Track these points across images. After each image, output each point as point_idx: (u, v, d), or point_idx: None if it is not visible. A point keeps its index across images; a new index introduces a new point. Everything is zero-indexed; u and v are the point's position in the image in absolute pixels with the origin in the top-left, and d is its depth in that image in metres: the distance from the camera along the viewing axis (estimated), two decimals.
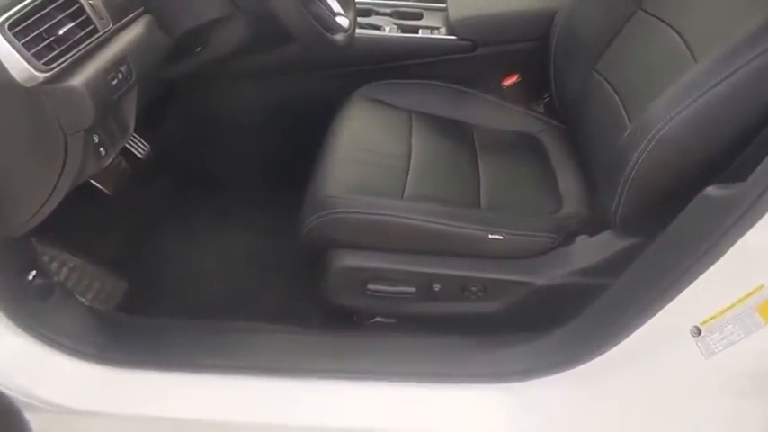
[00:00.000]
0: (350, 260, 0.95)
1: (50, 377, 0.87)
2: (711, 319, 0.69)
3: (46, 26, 0.69)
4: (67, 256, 1.19)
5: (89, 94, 0.70)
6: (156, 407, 0.87)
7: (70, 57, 0.70)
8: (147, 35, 0.85)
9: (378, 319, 1.05)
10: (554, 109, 1.25)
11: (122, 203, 1.34)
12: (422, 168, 1.06)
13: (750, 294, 0.67)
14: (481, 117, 1.24)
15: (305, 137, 1.17)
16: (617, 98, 1.01)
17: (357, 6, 1.21)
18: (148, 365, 0.89)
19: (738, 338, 0.68)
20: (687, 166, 0.79)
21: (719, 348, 0.69)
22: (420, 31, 1.36)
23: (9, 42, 0.65)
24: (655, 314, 0.72)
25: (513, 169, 1.12)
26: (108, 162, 0.82)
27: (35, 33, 0.68)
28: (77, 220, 1.20)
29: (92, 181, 1.29)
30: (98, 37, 0.75)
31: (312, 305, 1.11)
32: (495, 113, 1.25)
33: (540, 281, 0.92)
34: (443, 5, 1.40)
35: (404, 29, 1.36)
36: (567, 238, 0.95)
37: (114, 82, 0.75)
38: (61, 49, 0.70)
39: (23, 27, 0.67)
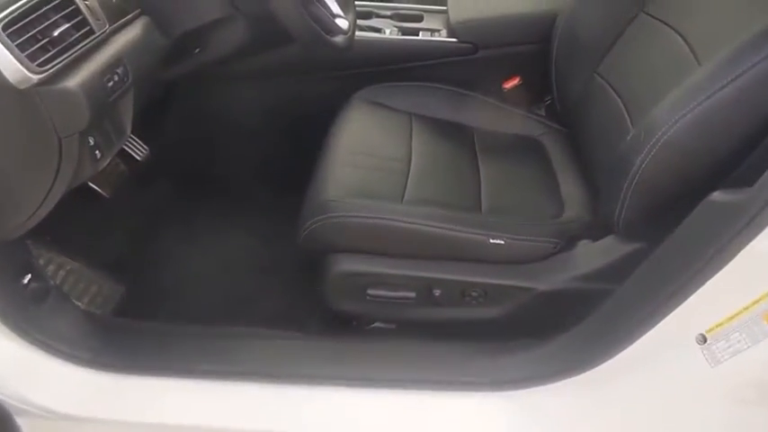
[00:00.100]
0: (349, 265, 0.94)
1: (45, 382, 0.86)
2: (717, 326, 0.68)
3: (41, 27, 0.68)
4: (64, 260, 1.18)
5: (84, 95, 0.69)
6: (153, 413, 0.86)
7: (65, 58, 0.69)
8: (144, 36, 0.84)
9: (377, 324, 1.04)
10: (555, 112, 1.25)
11: (120, 206, 1.33)
12: (422, 172, 1.05)
13: (757, 302, 0.66)
14: (482, 120, 1.23)
15: (304, 139, 1.16)
16: (619, 101, 1.01)
17: (357, 9, 1.21)
18: (145, 371, 0.88)
19: (745, 347, 0.67)
20: (691, 171, 0.78)
21: (725, 357, 0.68)
22: (420, 33, 1.35)
23: (2, 44, 0.64)
24: (659, 321, 0.70)
25: (514, 173, 1.11)
26: (104, 165, 0.81)
27: (29, 34, 0.67)
28: (74, 223, 1.19)
29: (89, 183, 1.28)
30: (94, 38, 0.74)
31: (311, 310, 1.10)
32: (496, 116, 1.25)
33: (541, 286, 0.91)
34: (444, 8, 1.40)
35: (404, 31, 1.36)
36: (569, 242, 0.94)
37: (110, 84, 0.74)
38: (56, 50, 0.69)
39: (17, 28, 0.66)
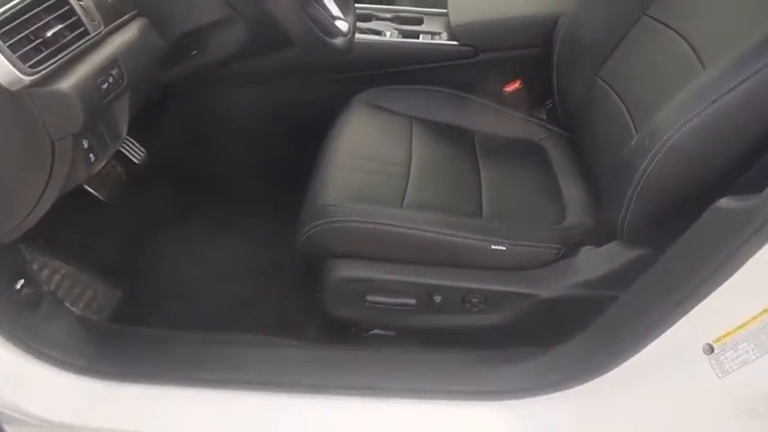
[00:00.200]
0: (348, 271, 0.92)
1: (38, 391, 0.85)
2: (725, 336, 0.67)
3: (33, 28, 0.67)
4: (59, 264, 1.17)
5: (77, 97, 0.67)
6: (149, 422, 0.84)
7: (58, 60, 0.68)
8: (140, 38, 0.82)
9: (376, 331, 1.02)
10: (556, 115, 1.24)
11: (117, 209, 1.32)
12: (422, 176, 1.04)
13: (766, 311, 0.64)
14: (482, 123, 1.23)
15: (304, 142, 1.15)
16: (622, 105, 1.00)
17: (357, 11, 1.20)
18: (141, 379, 0.86)
19: (754, 357, 0.65)
20: (697, 176, 0.77)
21: (734, 367, 0.66)
22: (421, 36, 1.34)
23: None
24: (665, 330, 0.69)
25: (515, 177, 1.10)
26: (98, 168, 0.80)
27: (22, 35, 0.65)
28: (70, 227, 1.18)
29: (86, 186, 1.26)
30: (88, 39, 0.73)
31: (309, 316, 1.08)
32: (497, 120, 1.24)
33: (543, 293, 0.90)
34: (444, 10, 1.39)
35: (404, 34, 1.35)
36: (572, 248, 0.93)
37: (105, 86, 0.73)
38: (49, 51, 0.67)
39: (9, 29, 0.65)
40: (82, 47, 0.72)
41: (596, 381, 0.76)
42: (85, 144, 0.74)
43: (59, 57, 0.68)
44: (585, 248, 0.92)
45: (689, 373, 0.70)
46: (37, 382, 0.84)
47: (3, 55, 0.63)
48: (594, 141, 1.07)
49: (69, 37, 0.70)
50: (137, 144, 1.39)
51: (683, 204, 0.77)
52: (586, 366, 0.78)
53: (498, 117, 1.24)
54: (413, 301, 0.93)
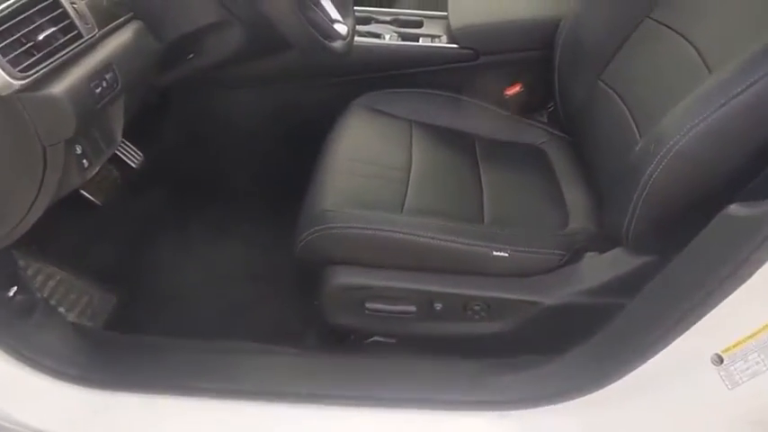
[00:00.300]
0: (347, 278, 0.91)
1: (31, 400, 0.83)
2: (734, 346, 0.65)
3: (25, 31, 0.65)
4: (53, 270, 1.15)
5: (69, 102, 0.65)
6: None
7: (50, 63, 0.66)
8: (135, 41, 0.81)
9: (376, 338, 1.01)
10: (558, 119, 1.22)
11: (113, 214, 1.30)
12: (422, 180, 1.03)
13: None
14: (483, 127, 1.21)
15: (302, 147, 1.14)
16: (625, 108, 0.99)
17: (356, 14, 1.19)
18: (135, 388, 0.84)
19: (764, 368, 0.64)
20: (704, 182, 0.75)
21: (744, 379, 0.64)
22: (420, 39, 1.33)
23: None
24: (673, 340, 0.67)
25: (516, 181, 1.09)
26: (92, 174, 0.78)
27: (13, 38, 0.64)
28: (65, 232, 1.17)
29: (81, 191, 1.25)
30: (82, 43, 0.71)
31: (308, 323, 1.07)
32: (498, 123, 1.23)
33: (547, 300, 0.88)
34: (444, 13, 1.38)
35: (404, 37, 1.34)
36: (575, 254, 0.91)
37: (98, 90, 0.71)
38: (40, 55, 0.66)
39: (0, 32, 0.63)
40: (75, 50, 0.70)
41: (601, 392, 0.74)
42: (78, 149, 0.73)
43: (51, 60, 0.67)
44: (589, 255, 0.91)
45: (697, 384, 0.69)
46: (30, 392, 0.82)
47: None
48: (597, 145, 1.06)
49: (62, 40, 0.69)
50: (134, 148, 1.38)
51: (690, 210, 0.75)
52: (591, 377, 0.76)
53: (499, 121, 1.23)
54: (413, 309, 0.91)
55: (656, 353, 0.69)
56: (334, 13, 1.08)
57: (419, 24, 1.39)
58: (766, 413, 0.68)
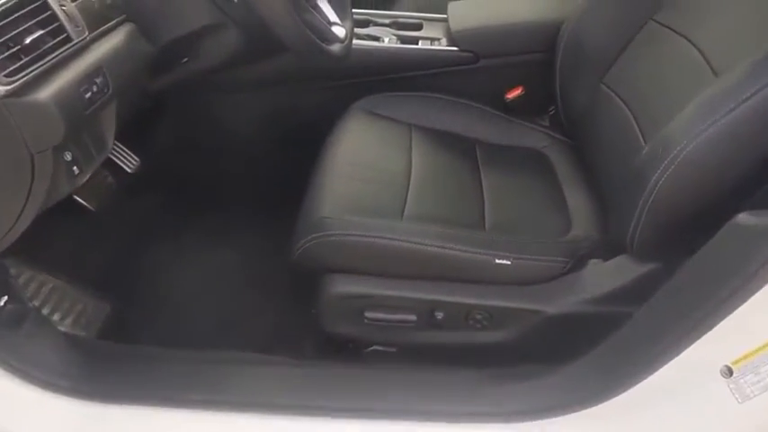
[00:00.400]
0: (345, 286, 0.89)
1: (20, 412, 0.81)
2: (744, 358, 0.63)
3: (12, 34, 0.63)
4: (46, 277, 1.13)
5: (57, 108, 0.63)
6: None
7: (38, 68, 0.64)
8: (127, 44, 0.79)
9: (375, 347, 0.98)
10: (560, 123, 1.21)
11: (107, 220, 1.28)
12: (422, 186, 1.01)
13: None
14: (484, 131, 1.20)
15: (300, 151, 1.12)
16: (628, 112, 0.97)
17: (355, 17, 1.17)
18: (127, 400, 0.82)
19: None
20: (712, 189, 0.73)
21: (755, 392, 0.62)
22: (420, 42, 1.32)
23: None
24: (681, 351, 0.65)
25: (518, 186, 1.07)
26: (82, 182, 0.76)
27: None
28: (58, 238, 1.15)
29: (75, 196, 1.23)
30: (71, 46, 0.69)
31: (305, 332, 1.05)
32: (499, 127, 1.21)
33: (550, 309, 0.86)
34: (444, 16, 1.37)
35: (403, 40, 1.32)
36: (579, 262, 0.89)
37: (88, 95, 0.69)
38: (27, 59, 0.64)
39: None
40: (64, 54, 0.68)
41: (606, 404, 0.72)
42: (68, 156, 0.70)
43: (39, 65, 0.64)
44: (593, 262, 0.89)
45: (706, 397, 0.67)
46: (19, 404, 0.80)
47: None
48: (600, 149, 1.04)
49: (50, 44, 0.66)
50: (129, 152, 1.36)
51: (697, 218, 0.73)
52: (595, 389, 0.74)
53: (500, 124, 1.21)
54: (413, 318, 0.89)
55: (663, 364, 0.67)
56: (332, 16, 1.06)
57: (418, 27, 1.38)
58: None
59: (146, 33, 0.86)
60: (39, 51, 0.65)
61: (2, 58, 0.61)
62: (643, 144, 0.88)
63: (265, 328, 1.14)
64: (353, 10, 1.17)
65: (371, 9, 1.43)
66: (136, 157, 1.36)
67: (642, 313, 0.73)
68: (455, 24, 1.30)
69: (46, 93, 0.63)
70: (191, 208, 1.33)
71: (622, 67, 1.05)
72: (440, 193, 1.01)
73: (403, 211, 0.94)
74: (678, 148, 0.72)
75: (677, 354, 0.66)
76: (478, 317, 0.88)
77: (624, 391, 0.71)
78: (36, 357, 0.83)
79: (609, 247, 0.89)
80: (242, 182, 1.35)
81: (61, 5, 0.69)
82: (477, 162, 1.11)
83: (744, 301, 0.60)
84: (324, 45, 0.98)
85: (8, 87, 0.61)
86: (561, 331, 0.87)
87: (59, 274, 1.14)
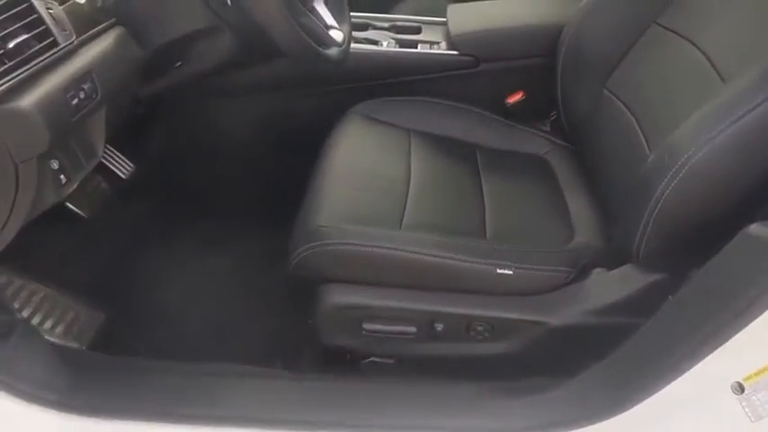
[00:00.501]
0: (343, 297, 0.86)
1: (3, 427, 0.78)
2: (757, 374, 0.61)
3: None
4: (37, 286, 1.11)
5: (41, 115, 0.61)
6: None
7: (21, 73, 0.62)
8: (116, 48, 0.76)
9: (373, 358, 0.96)
10: (561, 128, 1.19)
11: (100, 227, 1.26)
12: (422, 193, 0.99)
13: None
14: (484, 136, 1.18)
15: (296, 157, 1.10)
16: (632, 118, 0.95)
17: (353, 20, 1.16)
18: (117, 414, 0.79)
19: None
20: (721, 198, 0.71)
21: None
22: (419, 45, 1.30)
23: None
24: (692, 366, 0.63)
25: (519, 193, 1.05)
26: (70, 190, 0.73)
27: None
28: (49, 246, 1.12)
29: (66, 203, 1.21)
30: (58, 50, 0.67)
31: (302, 342, 1.02)
32: (499, 133, 1.19)
33: (553, 320, 0.84)
34: (443, 19, 1.35)
35: (402, 43, 1.31)
36: (582, 271, 0.87)
37: (75, 101, 0.66)
38: (11, 64, 0.61)
39: None
40: (50, 59, 0.66)
41: (612, 420, 0.69)
42: (55, 165, 0.68)
43: (23, 70, 0.62)
44: (596, 271, 0.87)
45: (717, 414, 0.64)
46: (4, 418, 0.78)
47: None
48: (602, 155, 1.03)
49: (36, 48, 0.64)
50: (124, 158, 1.34)
51: (705, 227, 0.71)
52: (601, 403, 0.72)
53: (500, 130, 1.19)
54: (413, 329, 0.87)
55: (672, 379, 0.65)
56: (330, 19, 1.04)
57: (417, 30, 1.36)
58: None
59: (137, 37, 0.83)
60: (23, 56, 0.63)
61: None
62: (647, 151, 0.86)
63: (262, 338, 1.11)
64: (351, 13, 1.15)
65: (370, 12, 1.41)
66: (130, 163, 1.35)
67: (650, 325, 0.70)
68: (455, 28, 1.29)
69: (29, 99, 0.61)
70: (186, 214, 1.31)
71: (625, 71, 1.03)
72: (439, 201, 0.99)
73: (402, 220, 0.92)
74: (685, 157, 0.70)
75: (688, 368, 0.64)
76: (479, 328, 0.85)
77: (632, 406, 0.69)
78: (23, 370, 0.80)
79: (612, 256, 0.87)
80: (238, 188, 1.34)
81: (48, 8, 0.67)
82: (477, 168, 1.09)
83: (758, 314, 0.57)
84: (321, 49, 0.96)
85: None
86: (565, 343, 0.84)
87: (51, 283, 1.12)
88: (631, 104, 0.97)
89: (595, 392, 0.73)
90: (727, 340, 0.60)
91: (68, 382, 0.82)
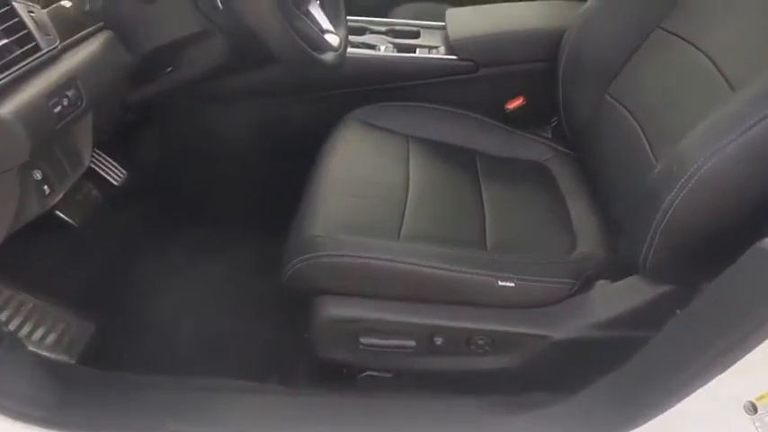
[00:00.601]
0: (339, 309, 0.84)
1: None
2: None
3: None
4: (26, 297, 1.08)
5: (21, 124, 0.58)
6: None
7: (1, 79, 0.59)
8: (103, 53, 0.74)
9: (370, 372, 0.93)
10: (563, 134, 1.17)
11: (91, 236, 1.23)
12: (421, 201, 0.96)
13: None
14: (484, 143, 1.16)
15: (292, 164, 1.08)
16: (635, 124, 0.93)
17: (350, 24, 1.13)
18: (106, 430, 0.77)
19: None
20: (732, 210, 0.69)
21: None
22: (417, 50, 1.28)
23: None
24: (704, 383, 0.60)
25: (520, 201, 1.03)
26: (54, 201, 0.71)
27: None
28: (38, 256, 1.10)
29: (56, 211, 1.18)
30: (40, 56, 0.64)
31: (297, 356, 1.00)
32: (499, 139, 1.17)
33: (556, 334, 0.81)
34: (442, 23, 1.33)
35: (400, 48, 1.29)
36: (585, 283, 0.85)
37: (58, 108, 0.64)
38: None
39: None
40: (31, 64, 0.63)
41: None
42: (38, 175, 0.65)
43: (3, 76, 0.59)
44: (600, 283, 0.85)
45: None
46: None
47: None
48: (605, 162, 1.01)
49: (17, 53, 0.61)
50: (116, 165, 1.31)
51: (714, 239, 0.69)
52: (605, 420, 0.69)
53: (500, 136, 1.17)
54: (412, 343, 0.84)
55: (683, 397, 0.62)
56: (325, 23, 1.01)
57: (416, 35, 1.34)
58: None
59: (125, 42, 0.81)
60: (3, 61, 0.60)
61: None
62: (652, 158, 0.84)
63: (256, 350, 1.09)
64: (348, 17, 1.13)
65: (367, 16, 1.39)
66: (122, 170, 1.32)
67: (659, 340, 0.68)
68: (454, 32, 1.27)
69: (8, 107, 0.58)
70: (178, 222, 1.28)
71: (628, 76, 1.01)
72: (439, 209, 0.97)
73: (400, 230, 0.90)
74: (695, 167, 0.67)
75: (700, 385, 0.61)
76: (480, 342, 0.83)
77: (638, 424, 0.66)
78: (7, 386, 0.78)
79: (617, 267, 0.84)
80: (232, 195, 1.31)
81: (30, 12, 0.64)
82: (477, 175, 1.07)
83: None
84: (316, 54, 0.93)
85: None
86: (568, 357, 0.82)
87: (40, 294, 1.09)
88: (635, 110, 0.95)
89: (601, 408, 0.71)
90: (739, 358, 0.58)
91: (55, 398, 0.79)
